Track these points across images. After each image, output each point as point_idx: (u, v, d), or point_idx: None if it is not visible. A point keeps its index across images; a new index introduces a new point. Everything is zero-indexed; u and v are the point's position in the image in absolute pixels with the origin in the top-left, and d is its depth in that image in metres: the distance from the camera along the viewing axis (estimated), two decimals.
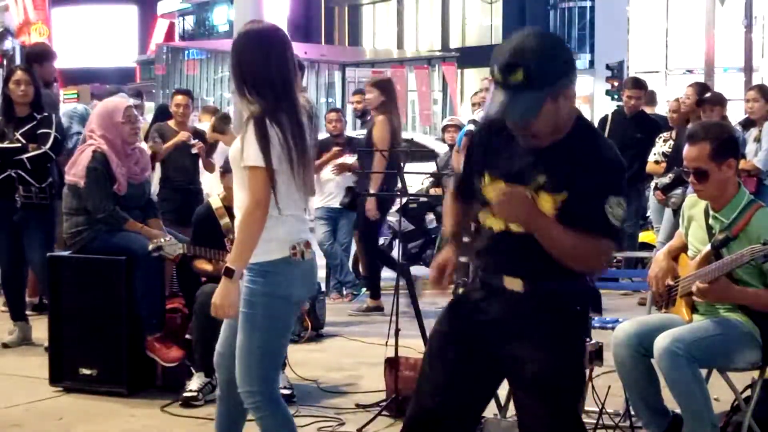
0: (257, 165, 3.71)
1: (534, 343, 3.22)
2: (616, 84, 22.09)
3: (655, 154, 8.97)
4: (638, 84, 10.13)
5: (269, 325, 3.84)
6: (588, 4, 36.70)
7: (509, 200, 3.14)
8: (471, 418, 3.45)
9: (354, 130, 14.61)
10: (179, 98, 8.89)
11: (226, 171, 6.00)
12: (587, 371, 4.73)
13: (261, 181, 3.71)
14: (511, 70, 3.06)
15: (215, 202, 6.07)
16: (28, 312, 7.61)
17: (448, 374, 3.35)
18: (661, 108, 12.54)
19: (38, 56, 8.33)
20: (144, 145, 7.67)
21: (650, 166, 9.02)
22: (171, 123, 8.85)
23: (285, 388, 5.79)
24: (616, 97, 20.57)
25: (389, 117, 8.60)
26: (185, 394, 5.70)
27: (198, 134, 8.97)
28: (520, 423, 3.33)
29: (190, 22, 52.12)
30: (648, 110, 10.25)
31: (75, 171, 6.07)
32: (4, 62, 16.35)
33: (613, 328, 4.94)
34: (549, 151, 3.19)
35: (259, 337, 3.83)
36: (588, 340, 4.67)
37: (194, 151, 8.61)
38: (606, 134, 9.77)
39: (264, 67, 3.80)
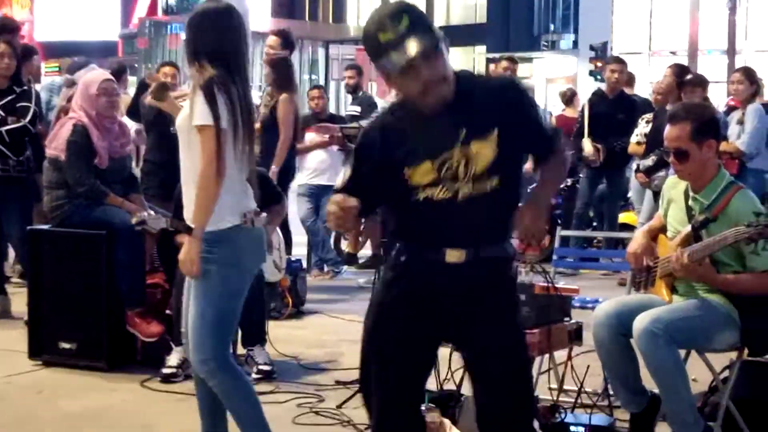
0: (206, 123, 3.84)
1: (487, 314, 3.26)
2: (599, 64, 22.11)
3: (637, 135, 8.99)
4: (619, 60, 10.23)
5: (221, 293, 3.93)
6: None
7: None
8: (419, 393, 3.47)
9: (344, 108, 14.58)
10: (166, 69, 8.87)
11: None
12: (567, 350, 4.77)
13: (210, 139, 3.84)
14: (397, 18, 3.12)
15: None
16: (15, 281, 7.58)
17: (397, 349, 3.32)
18: (643, 90, 12.57)
19: (1, 29, 8.21)
20: (126, 120, 7.64)
21: (632, 147, 9.04)
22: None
23: (266, 364, 5.81)
24: (599, 77, 20.60)
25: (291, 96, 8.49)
26: (164, 371, 5.69)
27: None
28: (482, 392, 3.30)
29: None
30: (627, 91, 10.30)
31: (56, 144, 6.04)
32: None
33: (593, 308, 4.96)
34: (452, 107, 3.20)
35: (213, 306, 3.92)
36: (568, 319, 4.70)
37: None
38: (588, 116, 9.82)
39: (218, 42, 3.93)
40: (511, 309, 3.35)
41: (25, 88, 7.10)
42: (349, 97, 10.91)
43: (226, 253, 3.92)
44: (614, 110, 9.67)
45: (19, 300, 7.02)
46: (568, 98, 12.67)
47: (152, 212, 5.84)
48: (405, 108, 3.28)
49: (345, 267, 9.50)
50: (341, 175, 3.39)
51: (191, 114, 3.89)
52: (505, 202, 3.28)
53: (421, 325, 3.31)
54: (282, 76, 8.37)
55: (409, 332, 3.31)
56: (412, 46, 3.09)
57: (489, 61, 30.58)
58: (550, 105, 25.62)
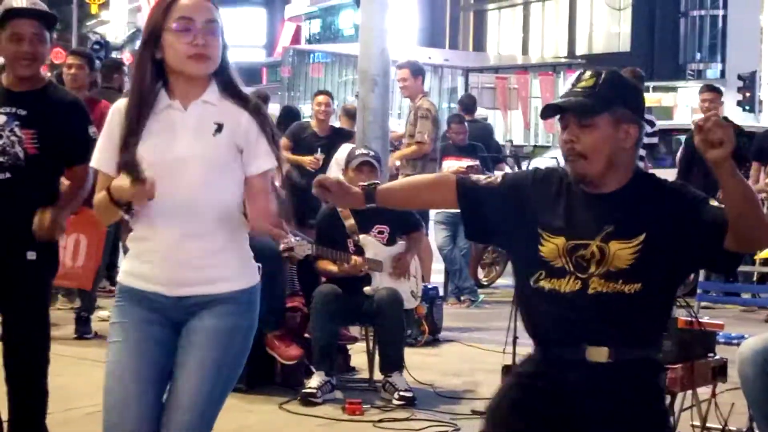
0: None
1: (627, 424, 2.98)
2: (748, 95, 21.55)
3: None
4: (713, 88, 9.84)
5: (239, 365, 3.19)
6: (720, 12, 35.87)
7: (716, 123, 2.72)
8: None
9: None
10: (321, 98, 9.14)
11: (358, 167, 6.06)
12: (711, 387, 4.64)
13: None
14: (582, 75, 3.06)
15: None
16: None
17: None
18: None
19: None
20: None
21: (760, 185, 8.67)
22: (312, 123, 9.12)
23: (406, 390, 5.81)
24: (748, 108, 20.07)
25: None
26: (304, 390, 5.75)
27: (337, 133, 9.17)
28: None
29: (316, 25, 52.76)
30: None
31: None
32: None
33: (738, 344, 4.82)
34: (612, 199, 3.03)
35: (227, 382, 3.15)
36: (712, 355, 4.58)
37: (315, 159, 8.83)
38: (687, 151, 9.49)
39: None
40: (657, 420, 3.08)
41: None
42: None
43: (255, 316, 3.21)
44: None
45: None
46: None
47: (299, 238, 5.94)
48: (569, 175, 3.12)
49: (482, 296, 9.45)
50: (481, 176, 3.29)
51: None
52: (650, 308, 3.04)
53: (548, 425, 3.06)
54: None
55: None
56: (570, 102, 3.02)
57: None
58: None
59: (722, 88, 10.56)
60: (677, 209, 2.98)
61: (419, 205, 3.13)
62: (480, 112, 12.93)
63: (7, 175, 4.14)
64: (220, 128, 3.06)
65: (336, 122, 11.06)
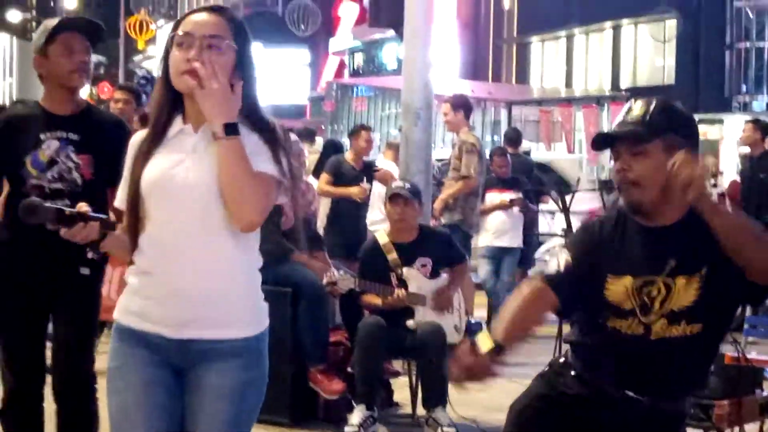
0: None
1: None
2: None
3: None
4: (755, 122, 9.94)
5: (254, 417, 2.91)
6: (766, 44, 35.59)
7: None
8: None
9: None
10: (365, 134, 9.21)
11: (392, 200, 6.08)
12: (759, 424, 4.57)
13: None
14: (633, 106, 3.05)
15: (381, 237, 6.14)
16: None
17: None
18: None
19: None
20: (311, 180, 7.85)
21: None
22: (348, 157, 9.16)
23: (450, 426, 5.78)
24: None
25: None
26: (347, 429, 5.74)
27: (368, 166, 9.29)
28: None
29: (359, 59, 53.06)
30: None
31: None
32: None
33: None
34: (672, 232, 3.02)
35: None
36: (760, 391, 4.51)
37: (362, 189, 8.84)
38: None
39: None
40: None
41: None
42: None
43: (266, 363, 2.90)
44: (758, 170, 9.41)
45: None
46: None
47: (340, 272, 5.95)
48: (625, 214, 3.12)
49: None
50: (555, 261, 3.18)
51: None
52: (706, 350, 3.06)
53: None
54: None
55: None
56: (620, 131, 3.02)
57: None
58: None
59: None
60: None
61: (537, 324, 3.09)
62: (524, 146, 12.93)
63: (67, 201, 4.07)
64: None
65: (378, 156, 11.12)
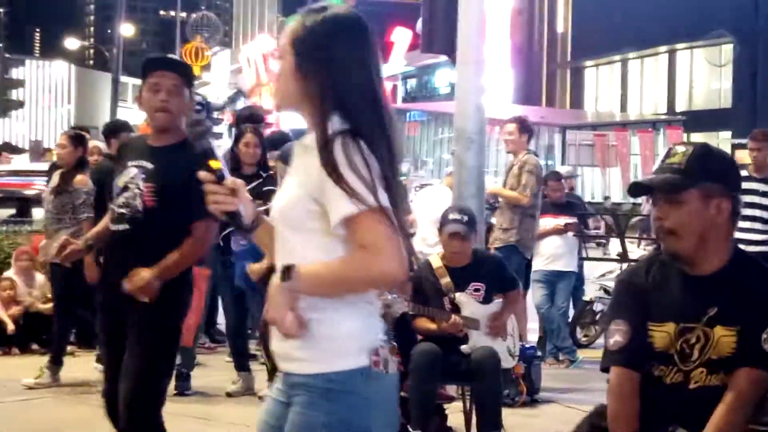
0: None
1: None
2: None
3: None
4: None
5: None
6: None
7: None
8: None
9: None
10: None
11: (442, 229, 6.07)
12: None
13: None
14: (672, 151, 3.02)
15: (435, 261, 6.12)
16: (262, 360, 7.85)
17: None
18: None
19: (247, 118, 8.66)
20: None
21: None
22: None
23: None
24: None
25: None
26: None
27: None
28: None
29: (412, 84, 53.21)
30: None
31: None
32: (236, 122, 17.20)
33: None
34: (712, 281, 2.98)
35: None
36: None
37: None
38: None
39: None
40: None
41: (271, 173, 7.42)
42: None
43: (346, 412, 2.51)
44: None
45: (261, 377, 7.26)
46: None
47: (393, 295, 5.95)
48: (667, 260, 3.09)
49: (581, 356, 9.30)
50: (612, 339, 3.09)
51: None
52: None
53: None
54: None
55: None
56: (656, 180, 3.00)
57: (734, 147, 29.60)
58: None
59: None
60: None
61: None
62: (567, 170, 12.85)
63: (127, 226, 4.27)
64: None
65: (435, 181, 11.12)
